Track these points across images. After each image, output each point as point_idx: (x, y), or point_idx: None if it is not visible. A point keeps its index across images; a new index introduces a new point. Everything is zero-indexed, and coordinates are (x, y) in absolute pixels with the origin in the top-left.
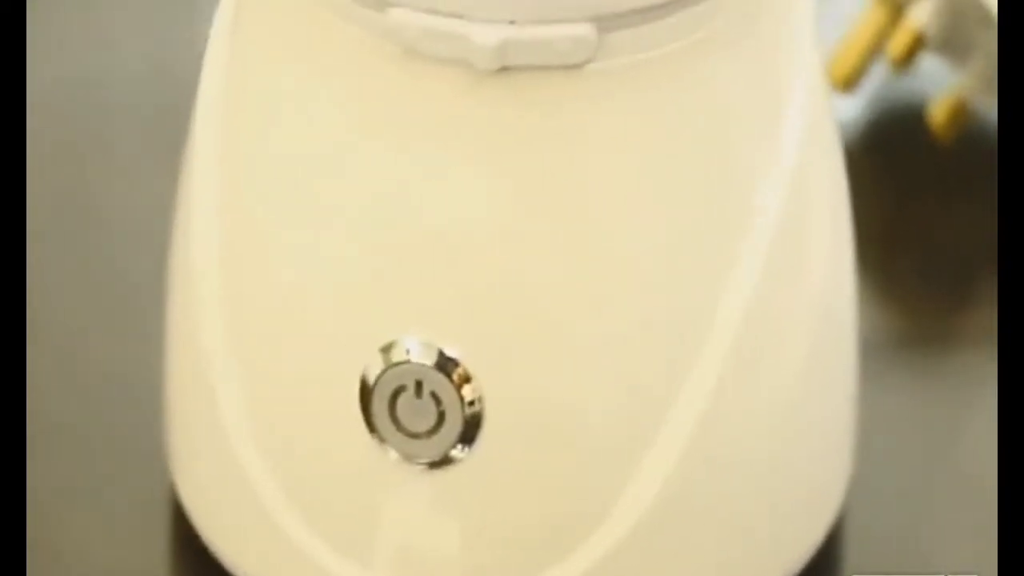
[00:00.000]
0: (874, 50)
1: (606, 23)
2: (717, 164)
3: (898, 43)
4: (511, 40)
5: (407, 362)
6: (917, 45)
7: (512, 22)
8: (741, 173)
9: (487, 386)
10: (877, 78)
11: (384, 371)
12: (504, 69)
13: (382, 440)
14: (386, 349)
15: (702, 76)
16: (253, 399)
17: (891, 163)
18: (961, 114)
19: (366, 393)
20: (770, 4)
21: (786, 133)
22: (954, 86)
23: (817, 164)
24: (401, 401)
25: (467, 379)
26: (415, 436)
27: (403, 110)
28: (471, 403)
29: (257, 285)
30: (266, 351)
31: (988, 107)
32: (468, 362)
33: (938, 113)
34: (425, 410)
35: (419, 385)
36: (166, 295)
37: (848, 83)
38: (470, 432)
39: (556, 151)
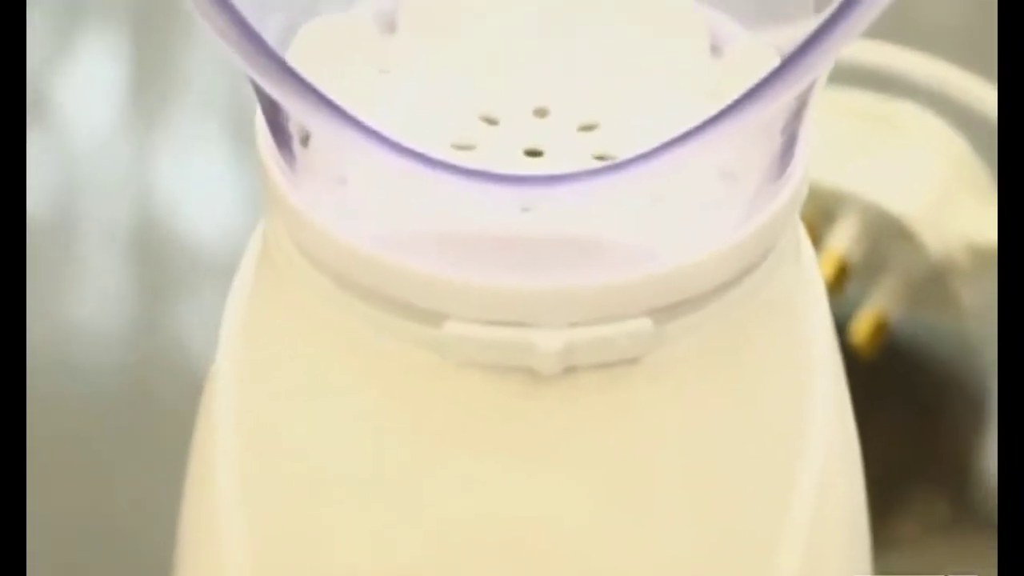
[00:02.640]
0: None
1: (661, 315)
2: (764, 435)
3: (825, 273)
4: (574, 343)
5: None
6: (844, 273)
7: (574, 324)
8: (783, 439)
9: None
10: None
11: None
12: (563, 372)
13: None
14: None
15: (743, 355)
16: None
17: None
18: (881, 330)
19: None
20: (792, 281)
21: (818, 399)
22: (872, 303)
23: (843, 428)
24: None
25: None
26: None
27: (450, 420)
28: None
29: None
30: None
31: (906, 321)
32: None
33: (858, 331)
34: None
35: None
36: None
37: None
38: None
39: (616, 442)
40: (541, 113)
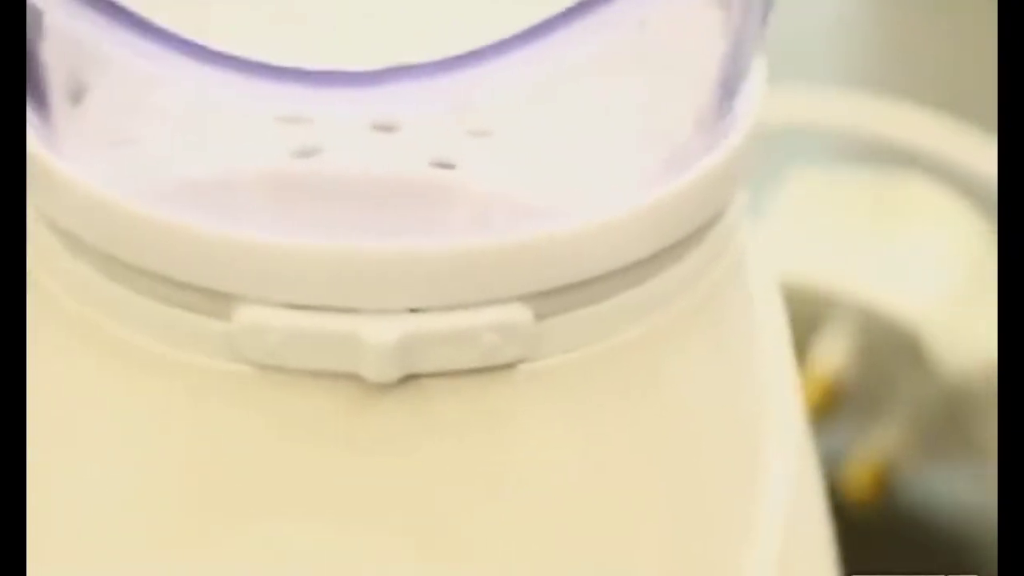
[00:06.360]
0: None
1: (544, 303)
2: (693, 494)
3: (810, 396)
4: (416, 336)
5: None
6: (833, 400)
7: (414, 310)
8: (722, 501)
9: None
10: None
11: None
12: (403, 380)
13: None
14: None
15: (663, 376)
16: None
17: None
18: (881, 480)
19: None
20: (735, 295)
21: (767, 453)
22: (870, 444)
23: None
24: None
25: None
26: None
27: (243, 456)
28: None
29: None
30: None
31: (913, 470)
32: None
33: (852, 480)
34: None
35: None
36: None
37: None
38: None
39: (475, 486)
40: None
